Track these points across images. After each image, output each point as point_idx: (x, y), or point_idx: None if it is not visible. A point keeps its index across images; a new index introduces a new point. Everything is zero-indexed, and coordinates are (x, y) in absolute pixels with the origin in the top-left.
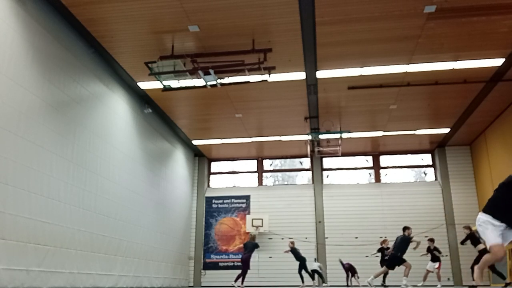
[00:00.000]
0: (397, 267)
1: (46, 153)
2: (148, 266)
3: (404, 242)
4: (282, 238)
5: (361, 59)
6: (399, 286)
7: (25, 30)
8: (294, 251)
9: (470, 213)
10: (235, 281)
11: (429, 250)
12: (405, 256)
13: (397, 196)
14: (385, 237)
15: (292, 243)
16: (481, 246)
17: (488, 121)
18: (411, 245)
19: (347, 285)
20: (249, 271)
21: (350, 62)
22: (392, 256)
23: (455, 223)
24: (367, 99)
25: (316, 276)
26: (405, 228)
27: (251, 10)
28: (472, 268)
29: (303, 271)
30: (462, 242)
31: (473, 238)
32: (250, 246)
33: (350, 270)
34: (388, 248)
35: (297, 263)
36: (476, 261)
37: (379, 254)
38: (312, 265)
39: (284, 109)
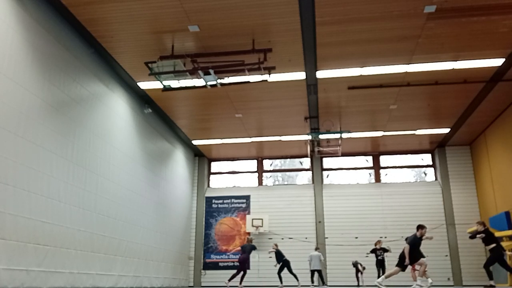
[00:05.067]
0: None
1: (46, 153)
2: (148, 266)
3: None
4: (282, 238)
5: (361, 59)
6: (410, 286)
7: (25, 30)
8: (278, 253)
9: (470, 213)
10: (229, 280)
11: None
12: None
13: (397, 196)
14: (380, 237)
15: (276, 245)
16: (492, 246)
17: (488, 121)
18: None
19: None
20: (248, 271)
21: (350, 62)
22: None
23: (455, 223)
24: (367, 99)
25: (316, 276)
26: (418, 227)
27: (251, 10)
28: (485, 268)
29: (281, 273)
30: (473, 237)
31: (488, 235)
32: (248, 248)
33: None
34: (382, 248)
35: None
36: (488, 260)
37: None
38: (314, 261)
39: (284, 109)
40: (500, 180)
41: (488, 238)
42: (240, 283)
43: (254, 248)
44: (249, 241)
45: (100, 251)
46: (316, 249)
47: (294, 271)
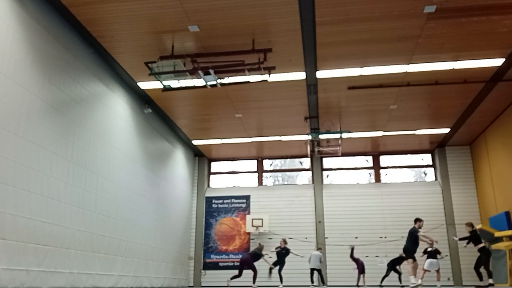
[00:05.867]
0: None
1: (46, 153)
2: (148, 266)
3: (411, 235)
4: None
5: (361, 59)
6: (407, 286)
7: (25, 30)
8: (282, 252)
9: (470, 213)
10: (254, 283)
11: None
12: None
13: (397, 196)
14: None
15: (285, 241)
16: (481, 245)
17: (488, 121)
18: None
19: (357, 285)
20: (247, 271)
21: (350, 62)
22: (403, 249)
23: (455, 223)
24: (367, 99)
25: (316, 276)
26: (416, 220)
27: (251, 10)
28: (475, 270)
29: (281, 272)
30: (467, 243)
31: (475, 236)
32: (252, 252)
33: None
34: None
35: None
36: (478, 262)
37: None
38: (313, 260)
39: (284, 109)
40: (500, 180)
41: (476, 239)
42: (231, 279)
43: (258, 257)
44: (259, 247)
45: (100, 251)
46: (318, 249)
47: (293, 271)
